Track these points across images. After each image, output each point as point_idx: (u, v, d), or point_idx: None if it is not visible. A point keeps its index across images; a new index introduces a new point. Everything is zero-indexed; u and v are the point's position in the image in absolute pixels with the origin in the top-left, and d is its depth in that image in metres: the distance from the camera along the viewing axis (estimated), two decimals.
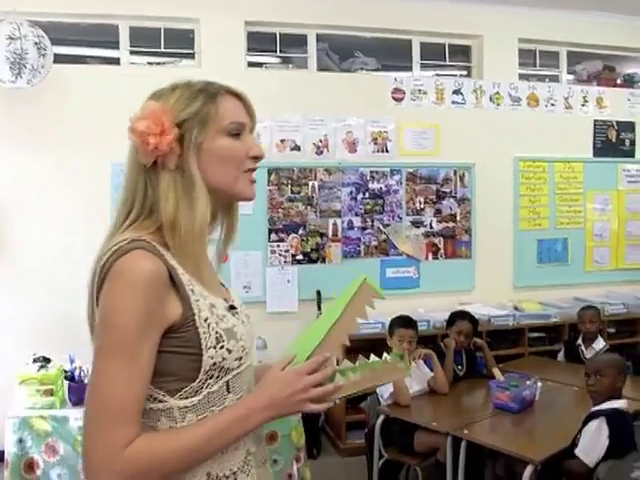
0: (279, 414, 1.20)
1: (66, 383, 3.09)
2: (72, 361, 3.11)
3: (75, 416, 2.96)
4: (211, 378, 1.19)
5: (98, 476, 1.07)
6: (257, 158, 1.29)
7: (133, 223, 1.22)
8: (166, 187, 1.20)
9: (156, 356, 1.14)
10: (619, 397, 3.04)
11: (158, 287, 1.13)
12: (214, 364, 1.17)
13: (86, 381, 3.05)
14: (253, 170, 1.29)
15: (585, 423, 2.95)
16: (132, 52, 4.52)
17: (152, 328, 1.12)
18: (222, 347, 1.18)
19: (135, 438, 1.09)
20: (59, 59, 4.10)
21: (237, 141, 1.26)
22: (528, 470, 2.84)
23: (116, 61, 4.50)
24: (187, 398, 1.17)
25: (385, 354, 1.29)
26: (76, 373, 3.08)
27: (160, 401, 1.16)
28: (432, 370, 3.80)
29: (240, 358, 1.23)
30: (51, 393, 3.02)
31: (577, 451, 2.88)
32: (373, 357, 1.29)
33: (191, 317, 1.16)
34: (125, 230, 1.21)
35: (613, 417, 2.89)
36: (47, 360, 3.22)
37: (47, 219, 4.25)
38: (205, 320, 1.17)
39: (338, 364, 1.25)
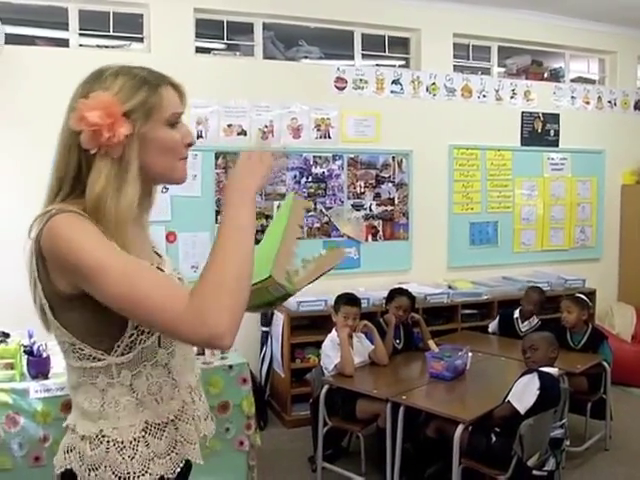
0: (259, 183, 1.30)
1: (25, 357, 3.18)
2: (30, 336, 3.19)
3: (35, 389, 3.05)
4: (142, 334, 1.27)
5: (201, 335, 1.12)
6: (190, 145, 1.36)
7: (63, 201, 1.27)
8: (97, 172, 1.23)
9: (88, 316, 1.23)
10: (552, 366, 3.40)
11: (94, 226, 1.20)
12: None
13: (44, 355, 3.17)
14: (186, 157, 1.37)
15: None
16: (81, 34, 4.56)
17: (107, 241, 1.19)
18: None
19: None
20: (8, 39, 4.12)
21: (174, 130, 1.32)
22: (459, 429, 3.14)
23: (65, 43, 4.54)
24: (123, 355, 1.27)
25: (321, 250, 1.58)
26: (34, 347, 3.16)
27: (99, 359, 1.26)
28: (372, 343, 4.07)
29: None
30: (11, 367, 3.09)
31: (509, 397, 3.22)
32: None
33: None
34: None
35: (544, 375, 3.24)
36: (6, 335, 3.31)
37: None
38: None
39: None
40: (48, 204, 1.28)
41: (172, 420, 1.35)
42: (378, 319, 4.40)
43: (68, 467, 1.29)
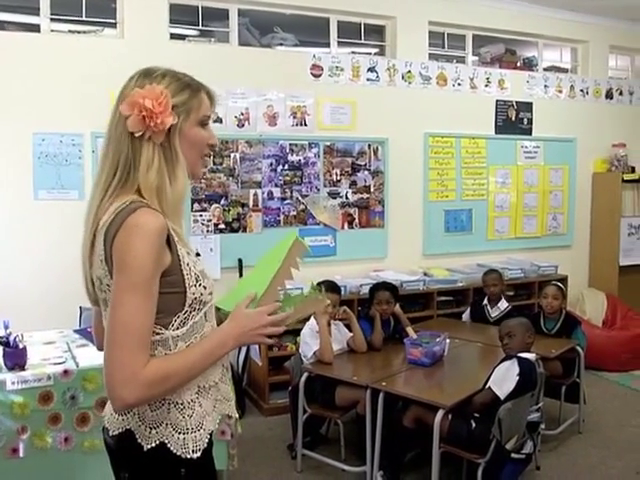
0: (245, 342, 1.53)
1: (0, 348, 3.11)
2: (6, 327, 3.14)
3: (12, 380, 2.98)
4: (194, 310, 1.49)
5: (123, 389, 1.32)
6: (213, 146, 1.60)
7: (117, 185, 1.46)
8: (151, 156, 1.44)
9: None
10: (529, 351, 3.44)
11: (163, 238, 1.39)
12: (195, 299, 1.47)
13: (21, 346, 3.10)
14: (208, 155, 1.62)
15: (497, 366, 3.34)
16: (53, 19, 4.46)
17: (158, 270, 1.38)
18: (200, 285, 1.48)
19: (148, 361, 1.35)
20: None
21: (203, 130, 1.55)
22: (439, 415, 3.17)
23: (36, 28, 4.43)
24: (178, 329, 1.46)
25: (303, 288, 1.54)
26: (11, 338, 3.09)
27: (158, 333, 1.44)
28: (351, 330, 4.08)
29: (211, 293, 1.54)
30: None
31: (490, 383, 3.25)
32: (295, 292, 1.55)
33: (177, 263, 1.44)
34: (114, 193, 1.45)
35: (523, 361, 3.29)
36: None
37: None
38: (187, 264, 1.46)
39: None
40: (104, 190, 1.46)
41: (216, 383, 1.58)
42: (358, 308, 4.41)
43: (127, 427, 1.47)
